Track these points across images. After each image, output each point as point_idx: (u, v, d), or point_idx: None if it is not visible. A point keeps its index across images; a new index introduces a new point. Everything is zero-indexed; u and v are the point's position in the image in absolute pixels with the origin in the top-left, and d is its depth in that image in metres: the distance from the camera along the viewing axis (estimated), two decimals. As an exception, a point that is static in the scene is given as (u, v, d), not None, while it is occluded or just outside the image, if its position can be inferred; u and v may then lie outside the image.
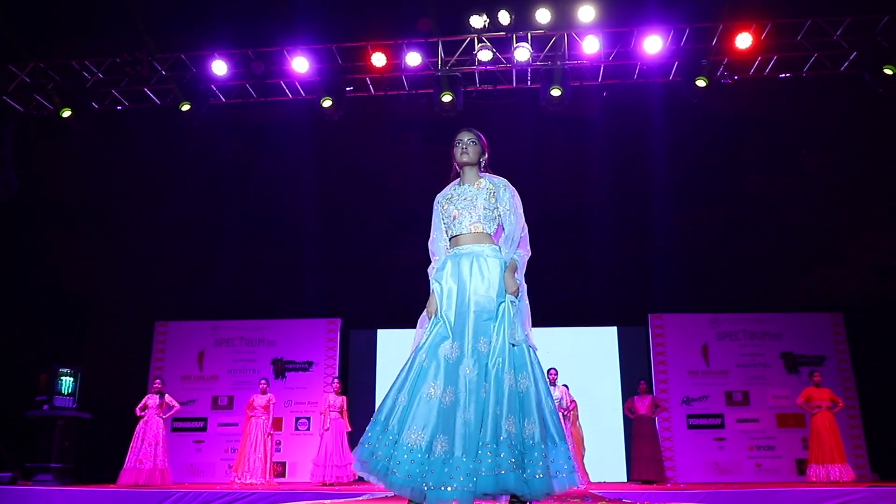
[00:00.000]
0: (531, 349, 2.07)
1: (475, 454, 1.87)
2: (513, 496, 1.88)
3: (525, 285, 2.20)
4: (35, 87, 6.53)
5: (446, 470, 1.86)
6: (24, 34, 6.40)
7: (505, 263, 2.17)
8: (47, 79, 6.47)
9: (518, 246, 2.23)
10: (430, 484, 1.86)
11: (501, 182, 2.29)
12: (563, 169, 7.95)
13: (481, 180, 2.30)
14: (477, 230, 2.22)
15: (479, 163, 2.32)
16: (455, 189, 2.33)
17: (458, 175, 2.35)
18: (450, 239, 2.28)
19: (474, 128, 2.35)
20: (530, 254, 2.28)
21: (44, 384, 6.30)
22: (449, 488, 1.82)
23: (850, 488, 4.62)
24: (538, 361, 2.08)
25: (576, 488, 1.96)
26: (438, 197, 2.35)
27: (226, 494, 4.72)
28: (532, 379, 2.01)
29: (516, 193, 2.29)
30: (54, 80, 6.46)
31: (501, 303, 2.09)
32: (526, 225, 2.27)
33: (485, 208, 2.23)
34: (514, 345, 2.03)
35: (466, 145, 2.29)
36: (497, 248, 2.22)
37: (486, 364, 1.99)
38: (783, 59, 6.15)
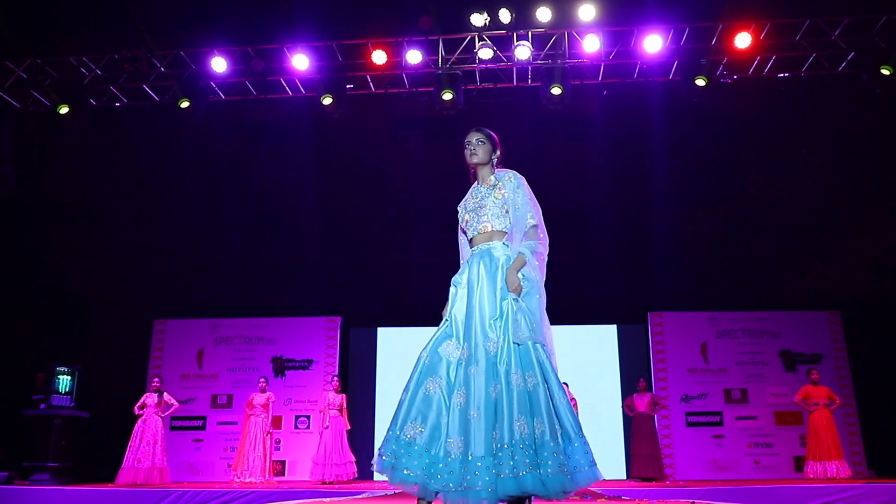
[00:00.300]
0: (538, 346, 2.03)
1: (493, 455, 1.87)
2: (520, 497, 1.87)
3: (538, 277, 2.13)
4: (32, 84, 6.48)
5: (464, 470, 1.87)
6: (22, 30, 6.35)
7: (510, 260, 2.13)
8: (44, 75, 6.42)
9: (528, 237, 2.16)
10: (451, 485, 1.87)
11: (507, 174, 2.25)
12: (564, 167, 7.96)
13: (491, 178, 2.27)
14: (486, 229, 2.20)
15: (490, 161, 2.28)
16: (471, 192, 2.32)
17: (476, 177, 2.33)
18: (469, 242, 2.28)
19: (474, 125, 2.34)
20: (547, 242, 2.21)
21: (41, 383, 6.26)
22: (473, 489, 1.84)
23: (847, 485, 4.65)
24: (547, 357, 2.04)
25: (599, 481, 1.92)
26: (459, 204, 2.35)
27: (225, 493, 4.70)
28: (540, 377, 1.98)
29: (523, 184, 2.23)
30: (52, 77, 6.41)
31: (504, 300, 2.07)
32: (537, 213, 2.20)
33: (492, 206, 2.20)
34: (518, 344, 2.01)
35: (475, 146, 2.27)
36: (507, 244, 2.18)
37: (496, 364, 1.99)
38: (782, 59, 6.19)
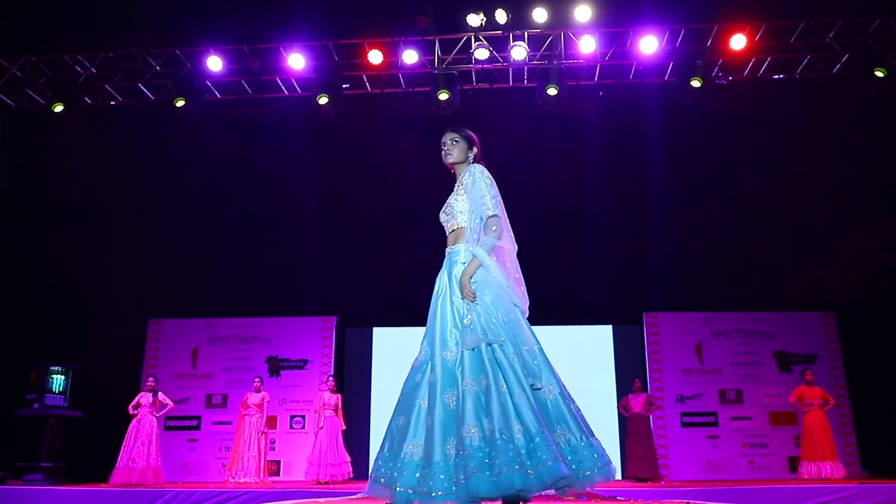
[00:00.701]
0: (493, 346, 1.98)
1: (452, 461, 1.87)
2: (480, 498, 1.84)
3: (496, 275, 2.06)
4: (27, 82, 6.46)
5: (418, 474, 1.88)
6: (16, 28, 6.33)
7: (464, 263, 2.09)
8: (39, 73, 6.39)
9: (488, 228, 2.09)
10: (400, 485, 1.89)
11: (469, 168, 2.20)
12: (560, 168, 7.99)
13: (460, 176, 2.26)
14: (453, 228, 2.19)
15: (466, 160, 2.25)
16: None
17: None
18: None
19: (471, 125, 2.32)
20: (509, 234, 2.15)
21: (34, 382, 6.23)
22: (422, 493, 1.85)
23: (841, 485, 4.66)
24: (504, 354, 1.98)
25: (563, 476, 1.82)
26: None
27: (219, 493, 4.68)
28: (492, 377, 1.94)
29: (483, 175, 2.14)
30: (46, 75, 6.38)
31: (460, 309, 2.05)
32: (498, 204, 2.11)
33: (455, 203, 2.18)
34: (471, 349, 1.99)
35: (449, 147, 2.25)
36: (469, 247, 2.13)
37: (454, 372, 1.99)
38: (777, 61, 6.21)
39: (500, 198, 2.16)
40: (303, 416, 7.93)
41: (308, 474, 6.37)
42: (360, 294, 8.43)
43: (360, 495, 4.09)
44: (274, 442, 7.68)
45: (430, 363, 2.04)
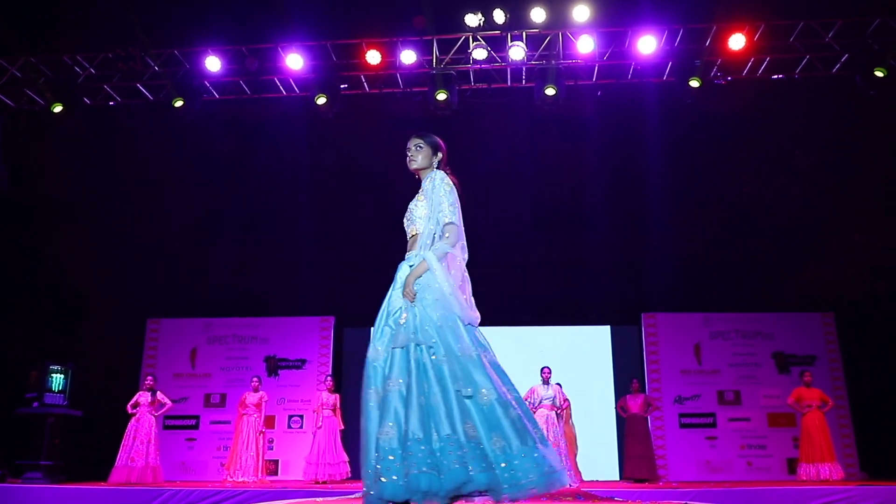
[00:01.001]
0: (421, 347, 1.97)
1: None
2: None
3: (442, 281, 2.03)
4: (26, 82, 6.48)
5: (366, 475, 1.95)
6: (16, 28, 6.35)
7: (412, 266, 2.08)
8: (38, 73, 6.41)
9: (443, 234, 2.09)
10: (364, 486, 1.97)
11: (431, 174, 2.20)
12: (558, 168, 7.97)
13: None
14: (412, 233, 2.19)
15: (431, 166, 2.24)
16: None
17: None
18: None
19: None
20: (463, 242, 2.13)
21: (34, 381, 6.25)
22: (367, 493, 1.90)
23: (840, 487, 4.65)
24: (431, 357, 1.95)
25: (465, 481, 1.80)
26: None
27: (217, 493, 4.70)
28: (413, 377, 1.93)
29: (439, 181, 2.14)
30: (45, 75, 6.40)
31: (395, 312, 2.06)
32: (451, 214, 2.09)
33: (415, 209, 2.18)
34: (401, 347, 1.98)
35: (413, 152, 2.24)
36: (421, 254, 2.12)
37: (384, 371, 2.01)
38: (776, 61, 6.19)
39: (458, 206, 2.16)
40: (301, 416, 7.95)
41: (306, 474, 6.38)
42: (359, 294, 8.43)
43: (358, 494, 4.10)
44: (272, 441, 7.70)
45: (381, 368, 2.06)
